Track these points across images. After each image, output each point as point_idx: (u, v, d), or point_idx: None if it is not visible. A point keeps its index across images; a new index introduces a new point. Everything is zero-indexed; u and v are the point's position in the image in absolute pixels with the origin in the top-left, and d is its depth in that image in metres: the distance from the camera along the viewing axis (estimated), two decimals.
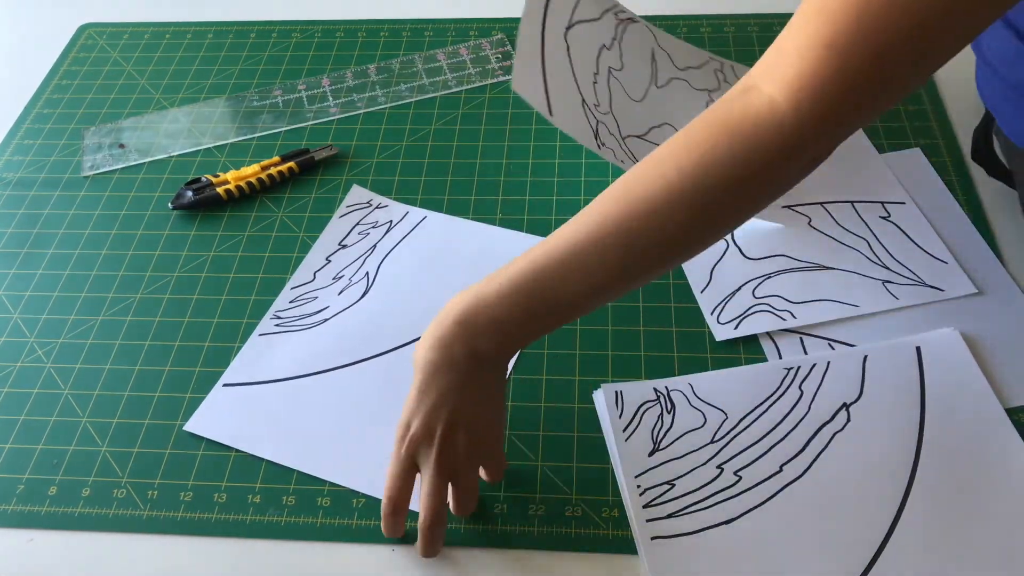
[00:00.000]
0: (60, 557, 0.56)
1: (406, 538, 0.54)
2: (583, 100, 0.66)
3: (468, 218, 0.72)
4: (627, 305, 0.65)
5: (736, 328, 0.63)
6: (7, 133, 0.82)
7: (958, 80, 0.78)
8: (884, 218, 0.69)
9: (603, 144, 0.65)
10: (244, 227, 0.73)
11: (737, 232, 0.68)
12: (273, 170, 0.75)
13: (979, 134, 0.70)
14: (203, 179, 0.74)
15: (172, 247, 0.72)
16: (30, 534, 0.57)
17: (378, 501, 0.54)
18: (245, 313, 0.67)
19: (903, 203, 0.70)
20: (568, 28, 0.69)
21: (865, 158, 0.73)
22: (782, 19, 0.85)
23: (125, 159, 0.79)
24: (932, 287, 0.64)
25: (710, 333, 0.63)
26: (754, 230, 0.68)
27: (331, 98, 0.83)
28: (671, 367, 0.61)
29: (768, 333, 0.62)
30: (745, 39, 0.84)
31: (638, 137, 0.67)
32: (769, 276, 0.66)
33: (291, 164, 0.75)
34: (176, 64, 0.88)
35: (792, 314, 0.63)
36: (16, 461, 0.60)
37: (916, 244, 0.67)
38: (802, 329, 0.63)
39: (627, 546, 0.53)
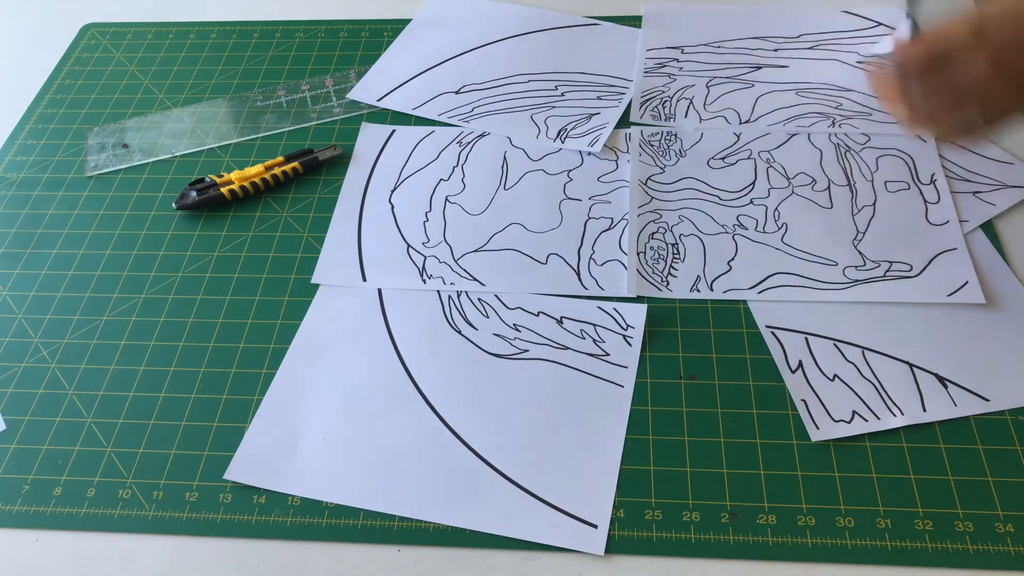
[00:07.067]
0: (66, 557, 0.56)
1: (409, 538, 0.55)
2: (408, 247, 0.69)
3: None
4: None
5: None
6: (11, 133, 0.82)
7: None
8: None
9: (430, 276, 0.67)
10: (248, 227, 0.73)
11: None
12: (277, 170, 0.75)
13: None
14: (207, 179, 0.74)
15: (176, 247, 0.72)
16: (36, 534, 0.57)
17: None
18: (250, 314, 0.67)
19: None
20: (393, 191, 0.73)
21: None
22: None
23: (129, 159, 0.79)
24: (1017, 186, 0.70)
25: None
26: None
27: (334, 98, 0.83)
28: None
29: (773, 333, 0.63)
30: None
31: (476, 252, 0.69)
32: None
33: (295, 164, 0.75)
34: (179, 64, 0.88)
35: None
36: (21, 461, 0.60)
37: (979, 153, 0.73)
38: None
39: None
